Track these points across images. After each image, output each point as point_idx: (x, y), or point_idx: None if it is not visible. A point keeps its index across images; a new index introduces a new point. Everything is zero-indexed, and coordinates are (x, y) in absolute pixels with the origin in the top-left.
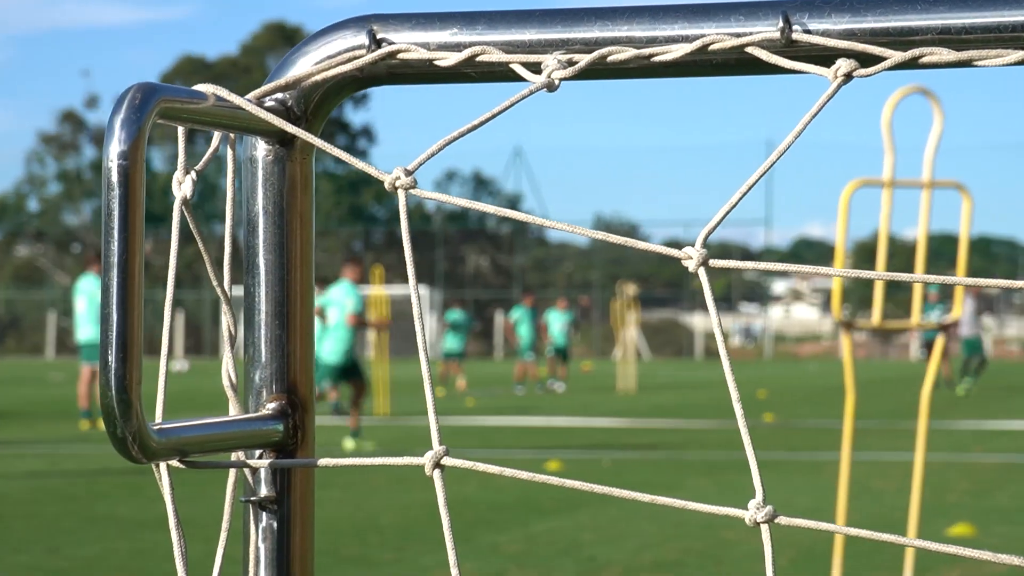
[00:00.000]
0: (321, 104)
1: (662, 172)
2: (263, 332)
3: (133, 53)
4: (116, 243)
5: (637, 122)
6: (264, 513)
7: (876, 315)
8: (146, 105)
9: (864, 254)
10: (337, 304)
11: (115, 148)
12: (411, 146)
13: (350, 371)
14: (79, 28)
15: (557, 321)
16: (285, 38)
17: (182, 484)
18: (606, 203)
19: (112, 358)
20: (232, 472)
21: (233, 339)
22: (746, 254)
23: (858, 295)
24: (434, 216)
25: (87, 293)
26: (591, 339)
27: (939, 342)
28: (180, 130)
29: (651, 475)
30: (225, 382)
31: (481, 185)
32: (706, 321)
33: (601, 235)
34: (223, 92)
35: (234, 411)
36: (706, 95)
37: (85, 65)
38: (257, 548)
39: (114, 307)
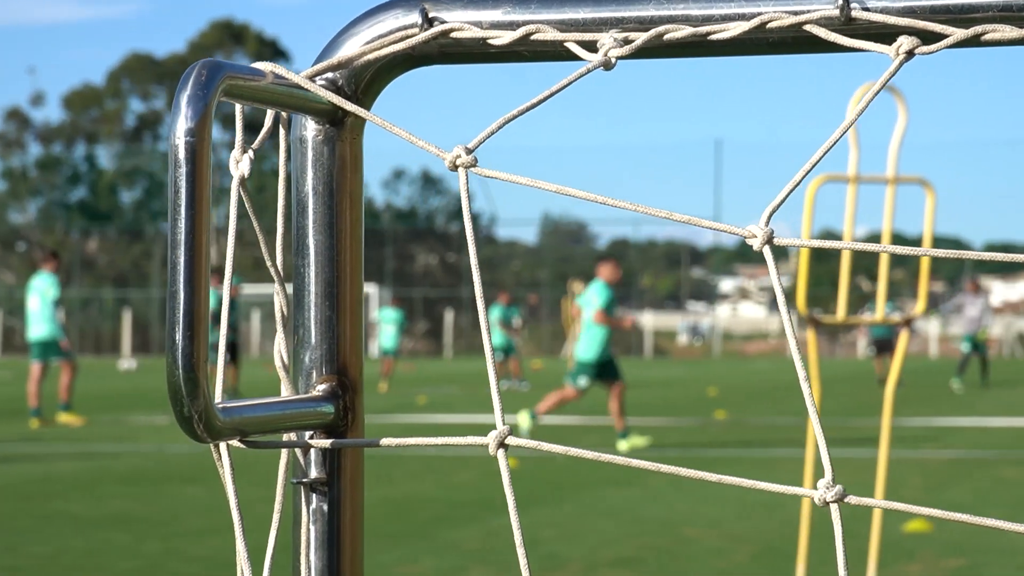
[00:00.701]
0: (371, 84)
1: (611, 171)
2: (313, 313)
3: (79, 51)
4: (183, 220)
5: (587, 121)
6: (315, 495)
7: (840, 311)
8: (212, 82)
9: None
10: (586, 303)
11: (182, 125)
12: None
13: (605, 368)
14: (24, 25)
15: (502, 317)
16: (233, 36)
17: (136, 483)
18: (555, 202)
19: (180, 336)
20: (284, 454)
21: (286, 320)
22: (694, 251)
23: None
24: (383, 214)
25: (39, 291)
26: (540, 337)
27: (903, 337)
28: (238, 108)
29: (605, 472)
30: (277, 363)
31: (429, 184)
32: (656, 319)
33: (664, 213)
34: (281, 70)
35: (286, 392)
36: (656, 94)
37: (30, 62)
38: (308, 530)
39: (181, 285)
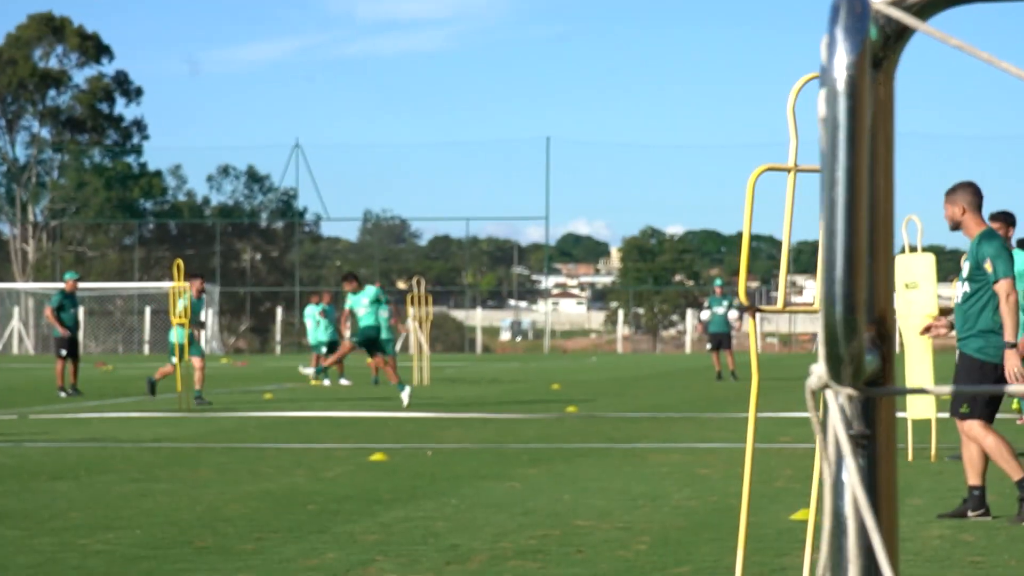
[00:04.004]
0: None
1: (443, 167)
2: (844, 263)
3: None
4: (842, 157)
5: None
6: (858, 448)
7: (780, 300)
8: (865, 13)
9: (630, 250)
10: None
11: (841, 59)
12: (183, 140)
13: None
14: None
15: (316, 315)
16: (54, 30)
17: (2, 480)
18: (377, 199)
19: (839, 271)
20: (834, 408)
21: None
22: (520, 249)
23: (630, 292)
24: (208, 211)
25: None
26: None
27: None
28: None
29: (478, 465)
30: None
31: (255, 181)
32: (488, 315)
33: None
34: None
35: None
36: (486, 91)
37: None
38: (849, 482)
39: (840, 222)
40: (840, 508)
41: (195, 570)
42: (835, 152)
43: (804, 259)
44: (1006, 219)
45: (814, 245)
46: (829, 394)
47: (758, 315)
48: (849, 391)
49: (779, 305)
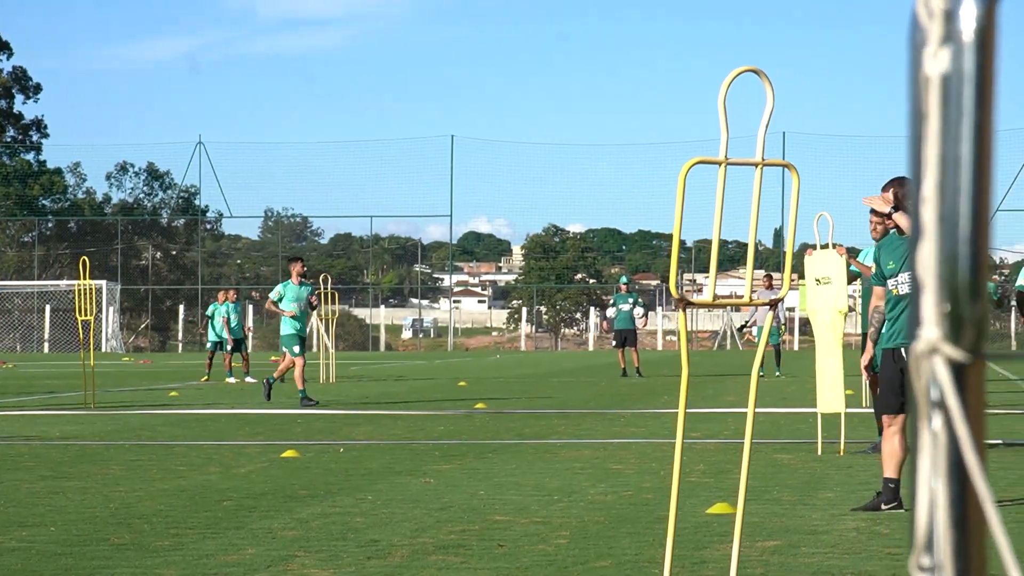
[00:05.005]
0: None
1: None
2: (971, 222)
3: None
4: (969, 115)
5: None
6: (943, 415)
7: (710, 293)
8: None
9: (533, 248)
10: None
11: (969, 10)
12: (82, 137)
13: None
14: None
15: (225, 313)
16: None
17: None
18: (279, 197)
19: (965, 231)
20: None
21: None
22: (422, 247)
23: (533, 290)
24: (108, 208)
25: None
26: (264, 332)
27: (769, 318)
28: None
29: (391, 461)
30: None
31: (155, 178)
32: (390, 313)
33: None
34: None
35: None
36: (390, 90)
37: None
38: (936, 449)
39: (965, 179)
40: (944, 482)
41: (114, 567)
42: (959, 110)
43: (705, 257)
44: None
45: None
46: (937, 360)
47: (662, 312)
48: (965, 356)
49: (709, 298)
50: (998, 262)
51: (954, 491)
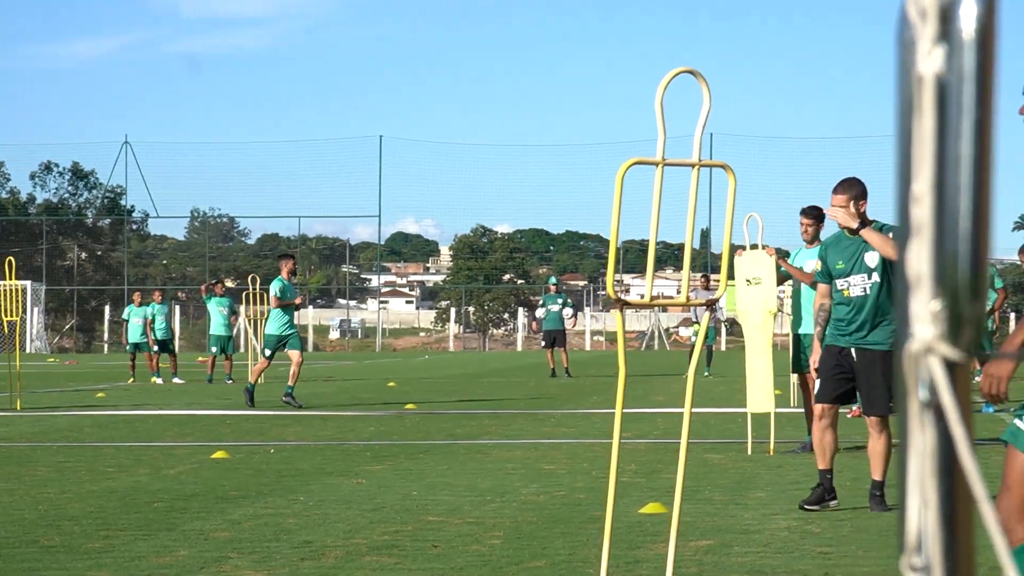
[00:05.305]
0: None
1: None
2: (971, 219)
3: None
4: (970, 112)
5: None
6: (935, 416)
7: (647, 294)
8: None
9: (461, 248)
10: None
11: (969, 7)
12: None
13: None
14: None
15: (142, 315)
16: None
17: None
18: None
19: (965, 228)
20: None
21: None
22: (349, 248)
23: (461, 290)
24: (32, 208)
25: None
26: (191, 333)
27: (706, 319)
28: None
29: (322, 462)
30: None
31: (80, 178)
32: (317, 314)
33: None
34: None
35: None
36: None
37: None
38: (929, 452)
39: (966, 176)
40: (935, 481)
41: (45, 569)
42: (959, 106)
43: (631, 258)
44: (816, 214)
45: (642, 244)
46: (932, 360)
47: (590, 313)
48: (959, 354)
49: (647, 298)
50: None
51: (943, 491)
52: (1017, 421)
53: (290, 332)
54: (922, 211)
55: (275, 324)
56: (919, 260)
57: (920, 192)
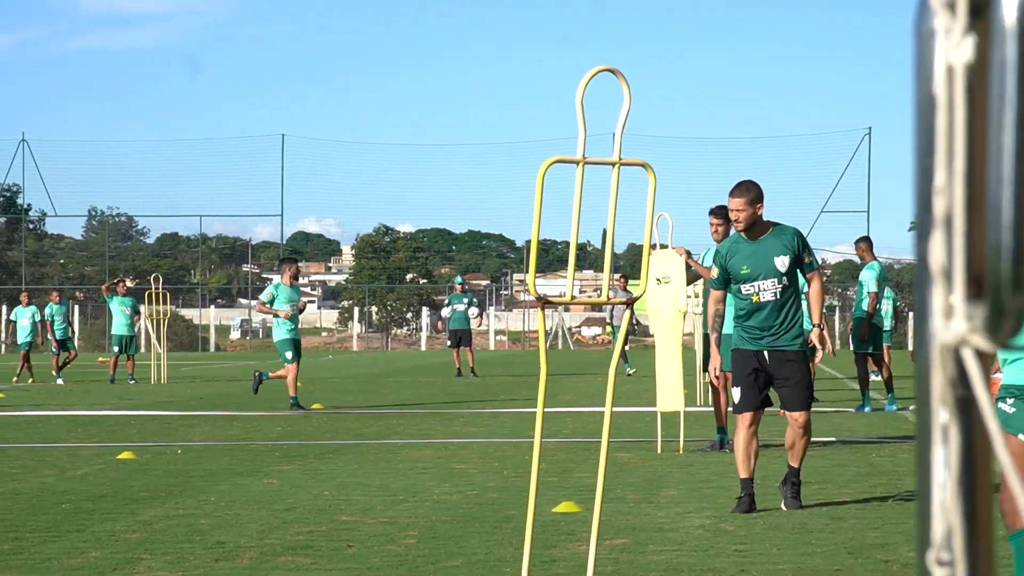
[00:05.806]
0: None
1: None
2: (1014, 210)
3: None
4: (1010, 109)
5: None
6: (961, 411)
7: (568, 293)
8: None
9: (365, 247)
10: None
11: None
12: None
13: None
14: None
15: (58, 314)
16: None
17: None
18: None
19: (1007, 219)
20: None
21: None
22: (251, 247)
23: (364, 290)
24: None
25: None
26: (90, 333)
27: (626, 317)
28: None
29: (231, 462)
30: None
31: None
32: (218, 314)
33: None
34: None
35: None
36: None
37: None
38: (953, 447)
39: (1007, 168)
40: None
41: None
42: (1002, 101)
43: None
44: (726, 214)
45: (543, 243)
46: (966, 353)
47: (493, 312)
48: (993, 346)
49: (567, 297)
50: (821, 262)
51: (966, 486)
52: (1001, 404)
53: (298, 336)
54: (952, 204)
55: (282, 329)
56: (937, 254)
57: (940, 185)
